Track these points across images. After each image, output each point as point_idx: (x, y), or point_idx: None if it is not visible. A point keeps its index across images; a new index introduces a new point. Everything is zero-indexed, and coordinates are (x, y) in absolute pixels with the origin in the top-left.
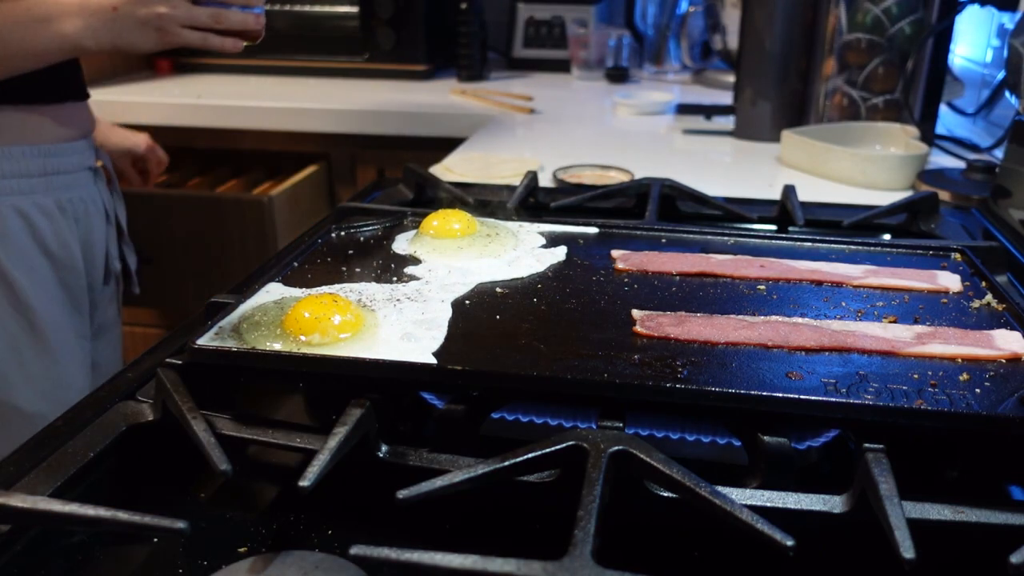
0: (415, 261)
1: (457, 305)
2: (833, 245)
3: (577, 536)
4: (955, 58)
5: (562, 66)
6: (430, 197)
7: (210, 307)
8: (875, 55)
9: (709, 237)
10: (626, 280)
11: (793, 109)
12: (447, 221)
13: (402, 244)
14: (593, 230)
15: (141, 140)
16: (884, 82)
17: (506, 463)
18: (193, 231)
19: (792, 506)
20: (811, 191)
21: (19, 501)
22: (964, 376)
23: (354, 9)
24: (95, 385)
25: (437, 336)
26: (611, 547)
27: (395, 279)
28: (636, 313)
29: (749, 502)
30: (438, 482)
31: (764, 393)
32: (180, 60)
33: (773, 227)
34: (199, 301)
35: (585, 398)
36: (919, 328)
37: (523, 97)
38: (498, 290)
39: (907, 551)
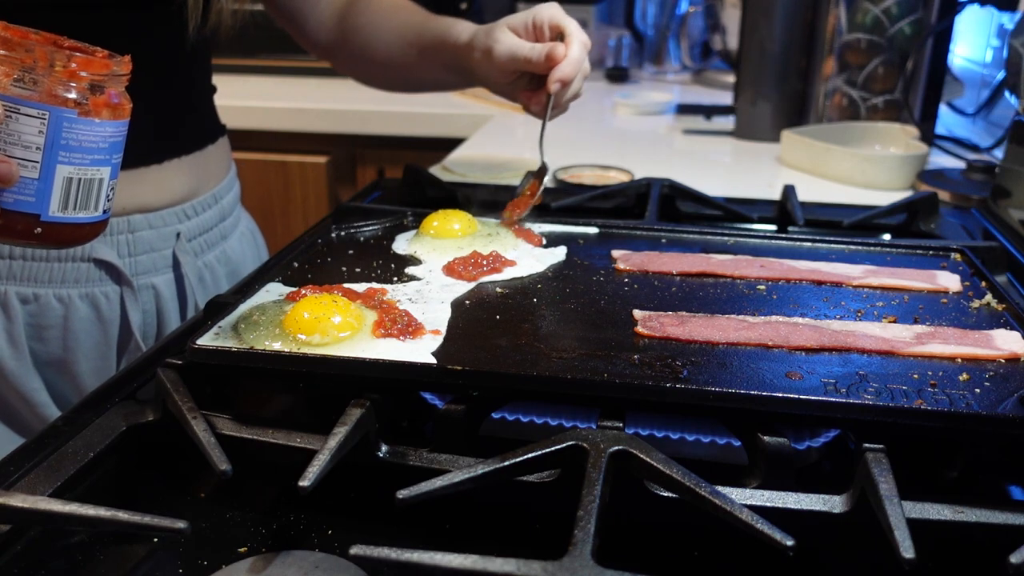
0: (415, 261)
1: (457, 305)
2: (833, 245)
3: (577, 536)
4: (955, 58)
5: None
6: (430, 197)
7: (210, 307)
8: (875, 55)
9: (709, 237)
10: (626, 280)
11: (793, 109)
12: (447, 221)
13: (402, 244)
14: (593, 230)
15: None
16: (884, 82)
17: (506, 463)
18: None
19: (792, 506)
20: (811, 191)
21: (19, 501)
22: (964, 376)
23: None
24: None
25: (437, 336)
26: (611, 547)
27: (395, 279)
28: (638, 313)
29: (749, 502)
30: (438, 482)
31: (764, 393)
32: None
33: (773, 227)
34: None
35: (585, 398)
36: (919, 328)
37: None
38: (498, 290)
39: (907, 551)
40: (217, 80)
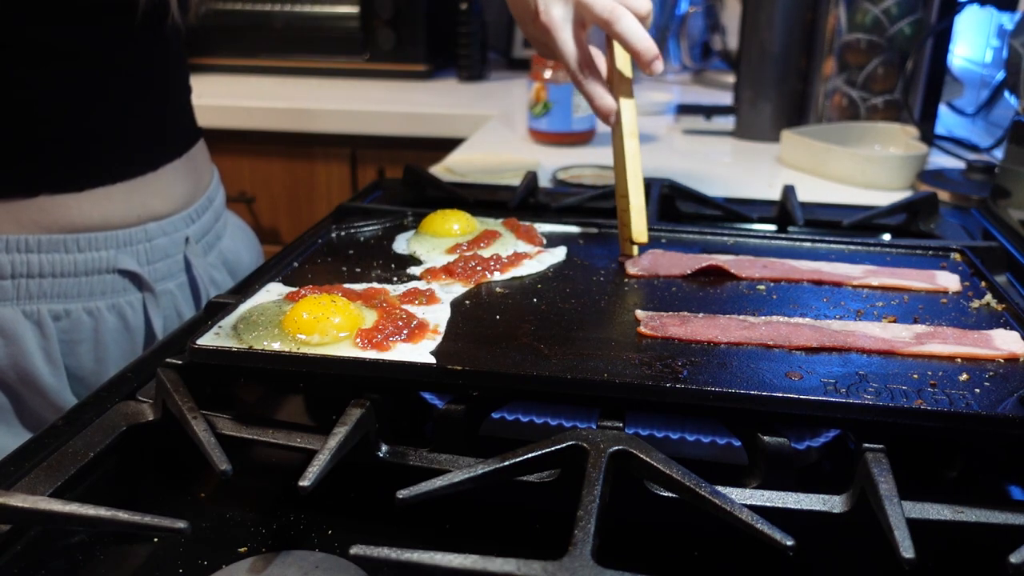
0: (415, 261)
1: (457, 305)
2: (833, 245)
3: (577, 536)
4: (955, 58)
5: None
6: (430, 197)
7: (210, 306)
8: (875, 55)
9: (709, 237)
10: (626, 280)
11: (793, 109)
12: (447, 221)
13: (402, 244)
14: (593, 230)
15: None
16: (884, 82)
17: (506, 463)
18: None
19: (792, 506)
20: (811, 191)
21: (19, 501)
22: (963, 376)
23: (354, 9)
24: None
25: (437, 336)
26: (611, 547)
27: (395, 279)
28: (640, 314)
29: (749, 502)
30: (438, 482)
31: (764, 393)
32: None
33: (773, 227)
34: None
35: (585, 398)
36: (918, 328)
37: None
38: (498, 290)
39: (907, 551)
40: (219, 80)
